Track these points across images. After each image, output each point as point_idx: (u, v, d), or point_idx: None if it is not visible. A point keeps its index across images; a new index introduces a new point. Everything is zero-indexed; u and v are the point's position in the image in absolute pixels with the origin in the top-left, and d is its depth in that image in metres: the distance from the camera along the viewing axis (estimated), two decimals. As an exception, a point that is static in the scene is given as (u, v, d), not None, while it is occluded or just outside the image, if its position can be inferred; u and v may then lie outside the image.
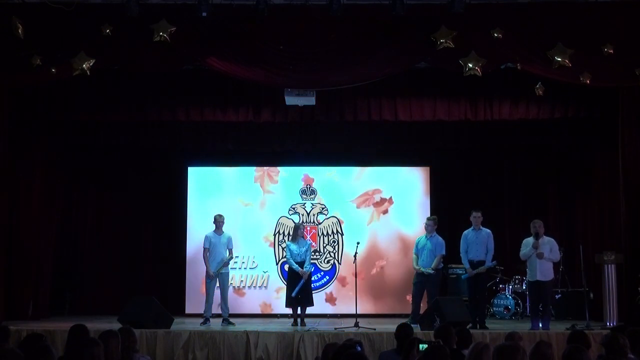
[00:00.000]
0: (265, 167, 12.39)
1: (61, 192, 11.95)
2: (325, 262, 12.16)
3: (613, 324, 9.34)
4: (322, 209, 12.26)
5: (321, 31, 9.43)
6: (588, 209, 11.52)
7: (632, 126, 9.68)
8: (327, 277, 12.12)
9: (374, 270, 12.08)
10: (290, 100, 10.01)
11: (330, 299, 12.02)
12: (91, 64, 9.20)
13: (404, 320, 9.02)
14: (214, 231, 10.39)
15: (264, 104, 10.51)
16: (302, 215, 12.23)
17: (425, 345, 4.95)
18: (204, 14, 8.98)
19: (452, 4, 8.91)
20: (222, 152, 12.11)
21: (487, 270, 10.05)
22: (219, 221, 10.39)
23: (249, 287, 12.07)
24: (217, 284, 10.33)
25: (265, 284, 12.10)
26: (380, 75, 9.78)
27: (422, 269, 10.14)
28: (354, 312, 9.93)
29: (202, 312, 10.35)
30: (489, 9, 9.32)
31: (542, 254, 9.28)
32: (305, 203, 12.28)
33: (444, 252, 10.20)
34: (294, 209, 12.26)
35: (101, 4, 9.28)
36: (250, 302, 12.00)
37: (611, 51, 9.26)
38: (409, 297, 10.92)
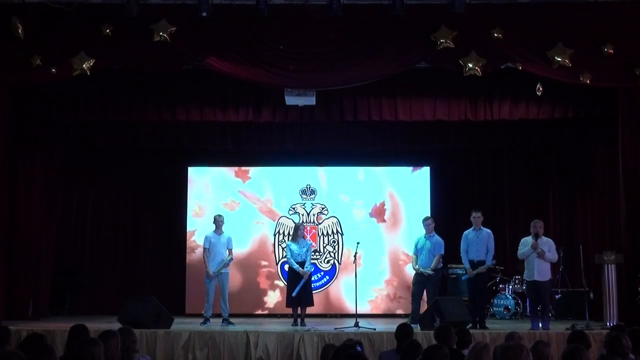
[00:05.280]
0: (264, 167, 12.39)
1: (61, 192, 11.97)
2: (325, 262, 12.15)
3: (613, 324, 9.33)
4: (322, 209, 12.26)
5: (321, 31, 9.44)
6: (588, 209, 11.51)
7: (632, 126, 9.67)
8: (327, 277, 12.12)
9: (373, 270, 12.07)
10: (290, 100, 10.01)
11: (330, 299, 12.02)
12: (91, 64, 9.22)
13: (403, 320, 9.03)
14: (214, 231, 10.40)
15: (264, 104, 10.50)
16: (302, 215, 12.22)
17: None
18: (204, 14, 8.98)
19: (452, 4, 8.92)
20: (222, 152, 12.09)
21: (487, 270, 10.04)
22: (219, 221, 10.40)
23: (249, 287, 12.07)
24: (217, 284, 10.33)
25: (265, 284, 12.09)
26: (381, 75, 9.77)
27: (421, 269, 10.14)
28: (354, 312, 9.94)
29: (202, 312, 10.36)
30: (489, 9, 9.34)
31: (543, 252, 9.26)
32: (305, 203, 12.28)
33: (442, 252, 10.18)
34: (294, 209, 12.26)
35: (101, 4, 9.28)
36: (251, 302, 11.99)
37: (611, 51, 9.28)
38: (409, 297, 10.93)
